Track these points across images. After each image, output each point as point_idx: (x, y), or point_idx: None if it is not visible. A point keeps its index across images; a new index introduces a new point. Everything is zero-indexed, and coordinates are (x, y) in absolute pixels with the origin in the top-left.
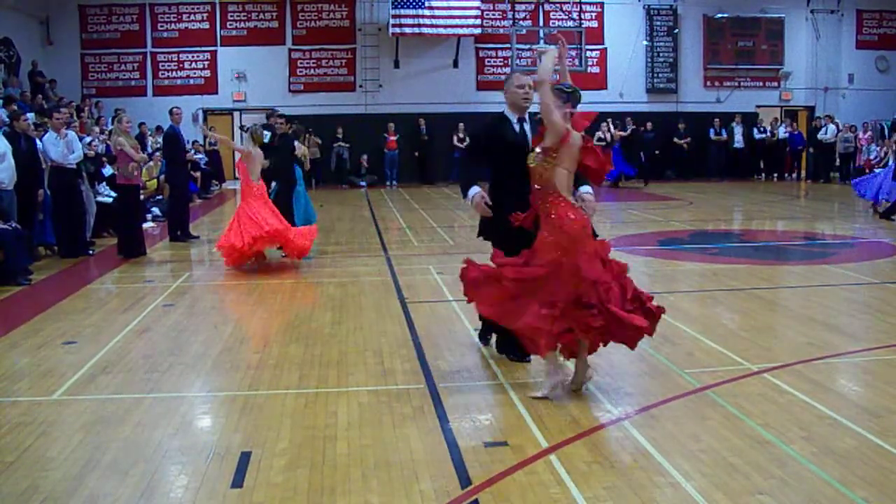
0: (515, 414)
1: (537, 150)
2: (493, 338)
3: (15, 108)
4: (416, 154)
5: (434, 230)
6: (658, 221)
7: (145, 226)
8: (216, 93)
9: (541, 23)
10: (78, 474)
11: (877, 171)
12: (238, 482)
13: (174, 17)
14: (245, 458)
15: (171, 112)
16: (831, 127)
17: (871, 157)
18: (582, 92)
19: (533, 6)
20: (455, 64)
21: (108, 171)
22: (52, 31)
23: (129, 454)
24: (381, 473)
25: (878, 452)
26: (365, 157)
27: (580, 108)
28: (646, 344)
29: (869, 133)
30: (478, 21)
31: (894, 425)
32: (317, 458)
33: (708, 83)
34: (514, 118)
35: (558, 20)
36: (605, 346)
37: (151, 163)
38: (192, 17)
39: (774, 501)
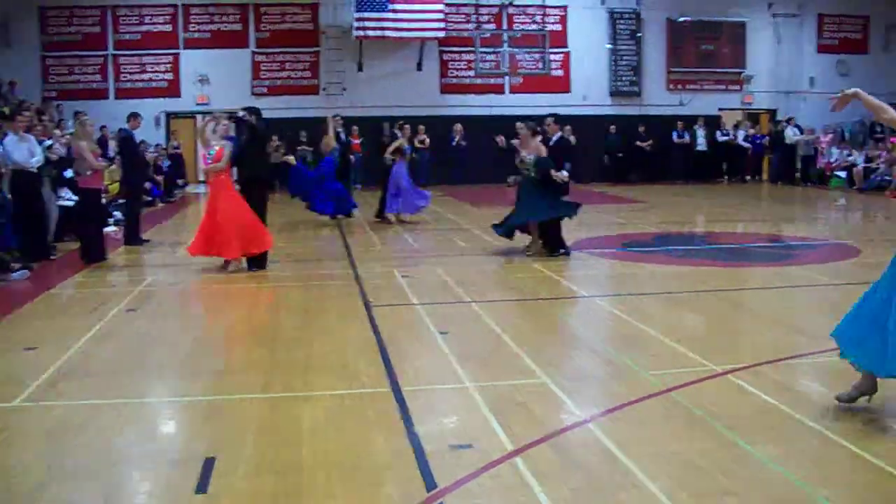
0: (480, 416)
1: None
2: None
3: None
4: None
5: (398, 233)
6: (622, 224)
7: (107, 230)
8: (179, 96)
9: (505, 26)
10: (39, 483)
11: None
12: (202, 488)
13: (136, 20)
14: (209, 463)
15: (133, 116)
16: (793, 129)
17: (833, 160)
18: (545, 95)
19: (497, 9)
20: (419, 67)
21: (70, 174)
22: (10, 32)
23: (91, 461)
24: (347, 478)
25: (842, 452)
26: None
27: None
28: (611, 346)
29: (830, 136)
30: (442, 24)
31: (857, 425)
32: (282, 464)
33: (671, 86)
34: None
35: (522, 24)
36: None
37: (114, 166)
38: (154, 19)
39: (739, 501)
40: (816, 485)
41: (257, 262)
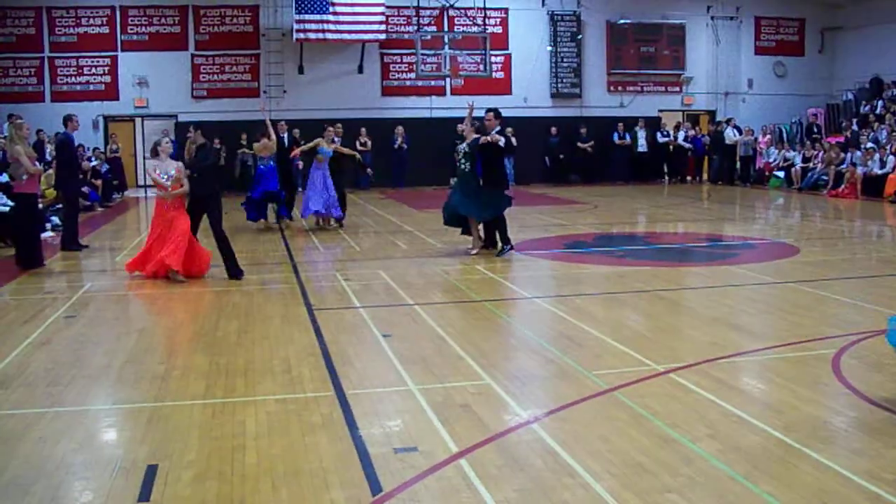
0: (425, 419)
1: None
2: None
3: None
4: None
5: (340, 237)
6: (563, 225)
7: (44, 235)
8: (117, 99)
9: (446, 28)
10: None
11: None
12: (145, 496)
13: (72, 21)
14: (152, 471)
15: (68, 118)
16: (732, 130)
17: (771, 160)
18: (486, 97)
19: (438, 12)
20: (360, 69)
21: (4, 178)
22: None
23: (30, 471)
24: (291, 483)
25: (782, 447)
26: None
27: None
28: (554, 347)
29: (768, 136)
30: (382, 27)
31: (797, 421)
32: (225, 469)
33: (611, 88)
34: None
35: (463, 26)
36: None
37: (51, 171)
38: (91, 21)
39: (683, 499)
40: (759, 480)
41: (233, 271)
